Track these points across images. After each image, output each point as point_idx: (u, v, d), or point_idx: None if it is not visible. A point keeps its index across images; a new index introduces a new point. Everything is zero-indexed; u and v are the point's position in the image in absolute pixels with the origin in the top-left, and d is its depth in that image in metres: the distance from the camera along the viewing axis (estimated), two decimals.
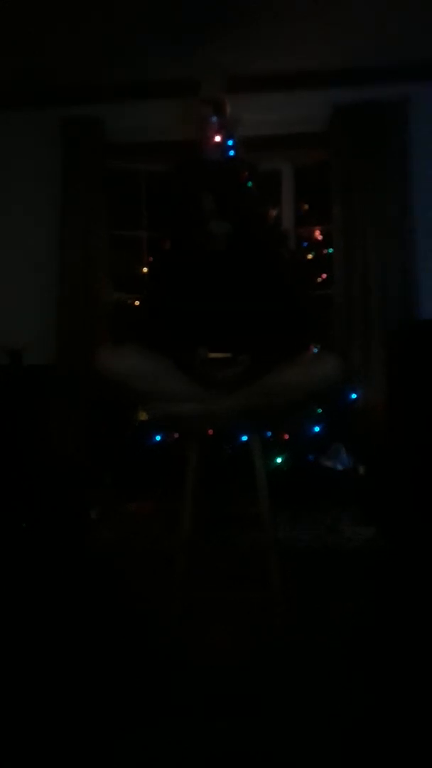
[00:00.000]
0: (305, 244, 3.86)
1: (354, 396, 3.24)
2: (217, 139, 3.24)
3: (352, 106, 3.60)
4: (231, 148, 3.25)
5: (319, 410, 3.04)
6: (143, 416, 3.11)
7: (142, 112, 3.77)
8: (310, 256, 3.76)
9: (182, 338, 2.16)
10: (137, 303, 3.48)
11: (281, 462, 2.96)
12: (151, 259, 3.78)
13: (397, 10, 3.09)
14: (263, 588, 1.99)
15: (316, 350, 3.08)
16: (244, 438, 2.55)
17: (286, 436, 2.99)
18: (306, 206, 3.96)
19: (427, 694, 1.55)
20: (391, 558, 2.50)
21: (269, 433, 2.91)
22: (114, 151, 3.79)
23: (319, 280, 3.71)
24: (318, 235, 3.85)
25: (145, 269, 3.59)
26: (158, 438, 3.09)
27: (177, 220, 3.24)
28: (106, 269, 3.77)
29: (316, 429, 3.03)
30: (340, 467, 3.02)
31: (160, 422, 2.78)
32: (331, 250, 3.69)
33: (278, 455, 2.96)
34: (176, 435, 3.03)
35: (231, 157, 3.25)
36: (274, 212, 3.49)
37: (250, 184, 3.26)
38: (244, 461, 2.14)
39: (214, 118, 3.26)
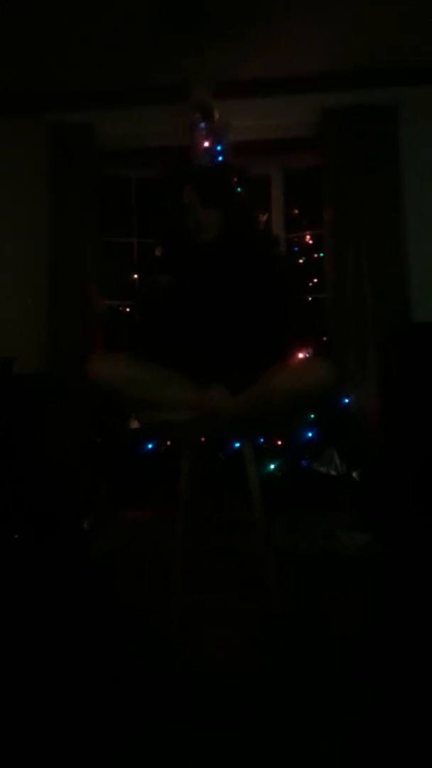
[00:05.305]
0: (296, 248, 3.86)
1: (347, 401, 3.23)
2: (206, 144, 3.23)
3: (343, 110, 3.60)
4: (220, 153, 3.25)
5: (312, 415, 3.03)
6: (135, 424, 3.09)
7: (131, 118, 3.77)
8: (300, 261, 3.76)
9: (174, 344, 2.15)
10: (128, 310, 3.47)
11: (275, 468, 2.95)
12: (142, 265, 3.78)
13: (388, 15, 3.09)
14: (260, 593, 1.98)
15: (309, 355, 3.08)
16: (237, 445, 2.55)
17: (279, 442, 2.98)
18: (296, 211, 3.96)
19: (425, 699, 1.54)
20: (387, 563, 2.49)
21: (262, 439, 2.90)
22: (104, 158, 3.78)
23: (310, 284, 3.70)
24: (309, 239, 3.85)
25: (136, 276, 3.58)
26: (150, 446, 3.07)
27: (167, 225, 3.24)
28: (97, 276, 3.76)
29: (310, 434, 3.01)
30: (333, 472, 3.01)
31: (152, 430, 2.76)
32: (322, 255, 3.69)
33: (272, 461, 2.94)
34: (169, 442, 3.02)
35: (220, 162, 3.24)
36: (264, 217, 3.49)
37: (239, 189, 3.26)
38: (238, 467, 2.13)
39: (203, 124, 3.26)
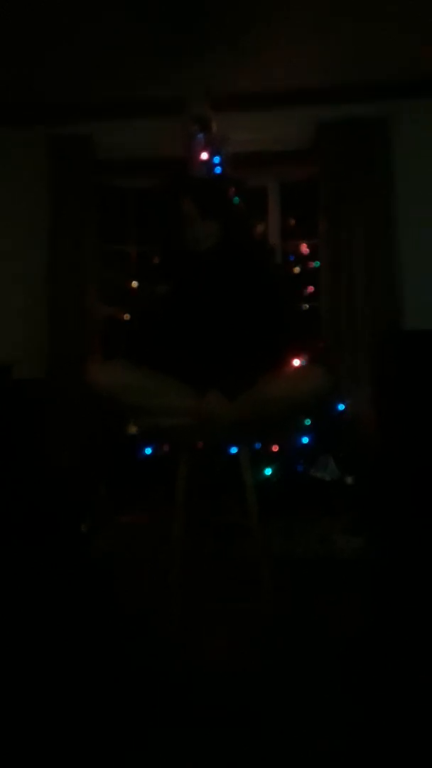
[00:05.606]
0: (292, 257, 3.91)
1: (342, 407, 3.27)
2: (204, 156, 3.28)
3: (337, 122, 3.66)
4: (217, 165, 3.29)
5: (308, 421, 3.06)
6: (134, 429, 3.12)
7: (130, 129, 3.81)
8: (296, 270, 3.80)
9: (171, 351, 2.19)
10: (126, 317, 3.50)
11: (271, 473, 2.97)
12: (140, 273, 3.81)
13: (380, 30, 3.16)
14: (256, 597, 2.01)
15: (304, 362, 3.11)
16: (234, 450, 2.58)
17: (276, 448, 3.01)
18: (293, 221, 4.01)
19: (424, 699, 1.56)
20: (383, 566, 2.52)
21: (258, 445, 2.93)
22: (102, 168, 3.83)
23: (306, 293, 3.74)
24: (304, 249, 3.90)
25: (134, 284, 3.62)
26: (149, 450, 3.10)
27: (165, 234, 3.27)
28: (96, 284, 3.79)
29: (305, 440, 3.05)
30: (328, 478, 3.04)
31: (150, 435, 2.80)
32: (317, 264, 3.75)
33: (268, 466, 2.97)
34: (167, 447, 3.04)
35: (218, 174, 3.29)
36: (260, 227, 3.53)
37: (236, 200, 3.30)
38: (235, 472, 2.16)
39: (201, 136, 3.30)
